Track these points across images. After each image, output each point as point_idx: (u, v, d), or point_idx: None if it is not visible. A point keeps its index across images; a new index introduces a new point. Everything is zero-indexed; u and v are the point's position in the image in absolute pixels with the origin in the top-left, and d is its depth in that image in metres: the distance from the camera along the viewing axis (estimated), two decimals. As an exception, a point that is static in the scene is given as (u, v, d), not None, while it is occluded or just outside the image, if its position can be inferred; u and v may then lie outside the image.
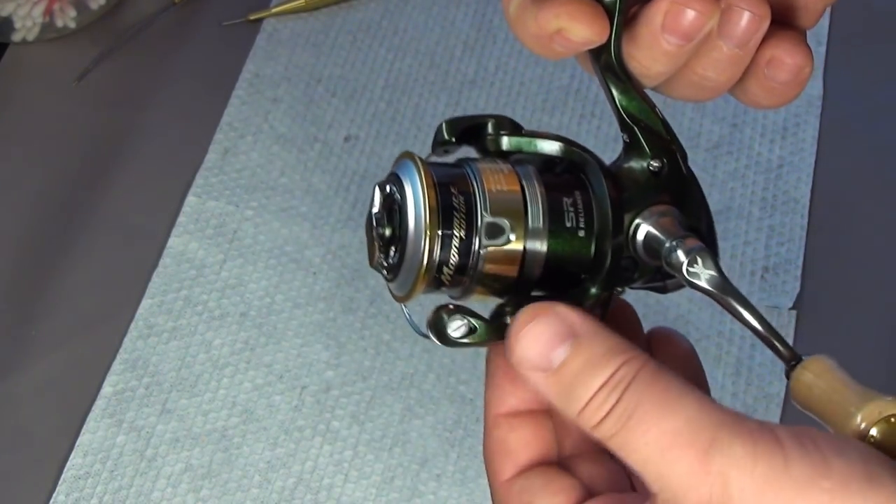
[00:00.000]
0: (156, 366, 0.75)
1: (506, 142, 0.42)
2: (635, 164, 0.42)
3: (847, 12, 0.89)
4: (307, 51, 0.88)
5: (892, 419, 0.34)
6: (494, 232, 0.38)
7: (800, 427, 0.35)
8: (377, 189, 0.40)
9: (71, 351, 0.76)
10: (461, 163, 0.41)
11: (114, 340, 0.76)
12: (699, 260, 0.39)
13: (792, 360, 0.38)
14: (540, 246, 0.39)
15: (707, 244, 0.40)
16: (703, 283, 0.39)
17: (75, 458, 0.72)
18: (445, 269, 0.38)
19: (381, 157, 0.83)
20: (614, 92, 0.42)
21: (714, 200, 0.81)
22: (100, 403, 0.74)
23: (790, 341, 0.77)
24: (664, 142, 0.42)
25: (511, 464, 0.40)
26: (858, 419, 0.34)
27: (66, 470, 0.71)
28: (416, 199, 0.39)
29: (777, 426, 0.35)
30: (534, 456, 0.40)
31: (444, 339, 0.39)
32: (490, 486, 0.41)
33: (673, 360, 0.44)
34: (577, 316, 0.37)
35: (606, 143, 0.83)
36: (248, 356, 0.75)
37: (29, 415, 0.74)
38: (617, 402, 0.34)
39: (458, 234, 0.38)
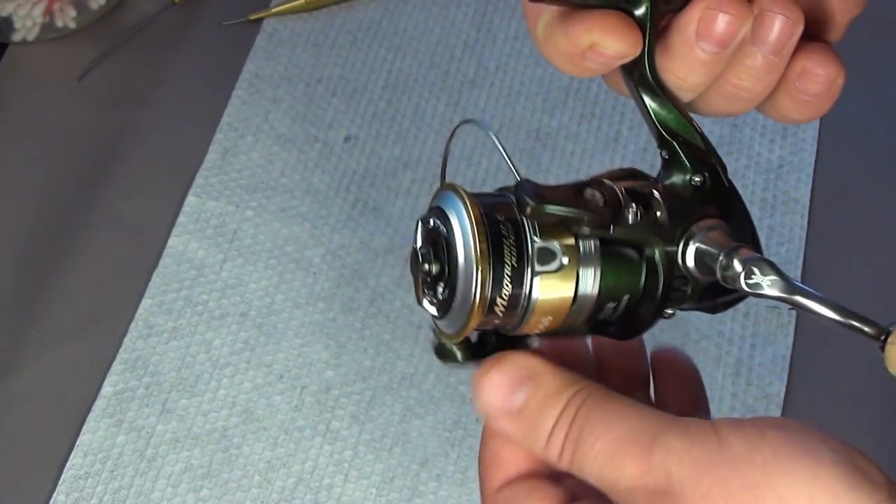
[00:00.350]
0: (156, 366, 0.75)
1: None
2: (677, 179, 0.40)
3: (847, 12, 0.89)
4: (307, 51, 0.88)
5: None
6: (546, 257, 0.38)
7: (743, 419, 0.36)
8: (420, 224, 0.39)
9: (71, 351, 0.76)
10: (502, 191, 0.40)
11: (114, 340, 0.76)
12: (756, 270, 0.38)
13: (881, 335, 0.38)
14: (594, 267, 0.38)
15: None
16: (766, 291, 0.39)
17: (75, 458, 0.72)
18: (499, 301, 0.37)
19: (381, 157, 0.83)
20: (651, 107, 0.40)
21: (714, 200, 0.81)
22: (100, 403, 0.74)
23: (790, 341, 0.77)
24: (704, 155, 0.40)
25: (501, 474, 0.41)
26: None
27: (66, 470, 0.71)
28: (464, 232, 0.38)
29: (714, 420, 0.36)
30: (523, 468, 0.41)
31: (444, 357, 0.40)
32: (481, 495, 0.42)
33: (674, 379, 0.45)
34: (533, 359, 0.38)
35: (606, 143, 0.83)
36: (248, 356, 0.75)
37: (29, 415, 0.74)
38: (569, 429, 0.37)
39: (509, 263, 0.37)
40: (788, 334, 0.75)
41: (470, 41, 0.88)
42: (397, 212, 0.81)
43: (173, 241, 0.79)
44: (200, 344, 0.76)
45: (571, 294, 0.38)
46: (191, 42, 0.89)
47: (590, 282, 0.38)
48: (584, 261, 0.38)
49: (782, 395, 0.73)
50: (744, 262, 0.39)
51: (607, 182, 0.39)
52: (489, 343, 0.41)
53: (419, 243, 0.39)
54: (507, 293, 0.37)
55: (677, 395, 0.45)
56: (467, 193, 0.39)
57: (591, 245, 0.38)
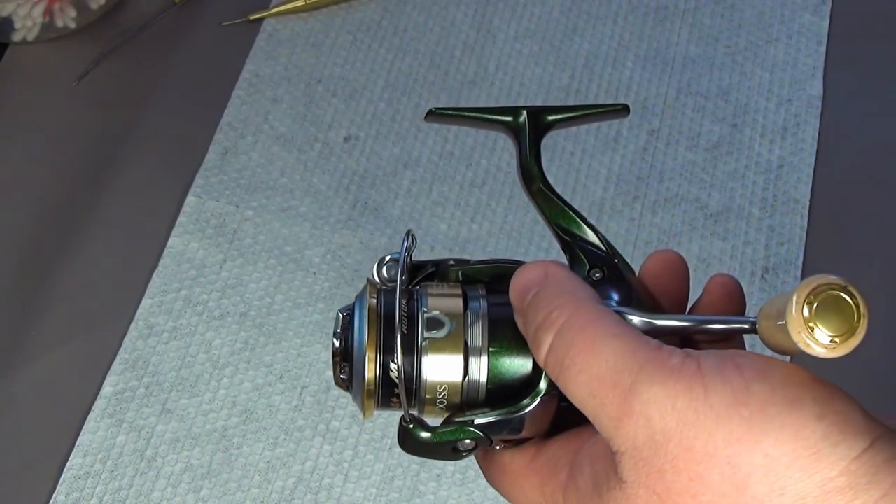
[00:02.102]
0: (156, 366, 0.75)
1: (459, 273, 0.44)
2: (578, 274, 0.43)
3: (847, 12, 0.89)
4: (307, 51, 0.88)
5: (820, 291, 0.35)
6: (433, 325, 0.41)
7: (728, 352, 0.36)
8: (338, 314, 0.43)
9: (71, 351, 0.76)
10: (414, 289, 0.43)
11: (114, 340, 0.76)
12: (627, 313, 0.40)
13: (753, 323, 0.39)
14: (480, 342, 0.41)
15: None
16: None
17: (75, 458, 0.72)
18: (392, 366, 0.41)
19: (381, 157, 0.83)
20: (548, 213, 0.44)
21: (714, 200, 0.81)
22: (100, 403, 0.74)
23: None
24: (600, 253, 0.43)
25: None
26: (794, 302, 0.35)
27: (66, 470, 0.72)
28: (359, 319, 0.42)
29: (704, 355, 0.36)
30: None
31: (408, 446, 0.42)
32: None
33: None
34: (555, 266, 0.40)
35: (606, 143, 0.83)
36: (248, 356, 0.75)
37: (29, 415, 0.74)
38: (552, 342, 0.38)
39: (400, 330, 0.40)
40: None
41: (470, 41, 0.89)
42: (397, 212, 0.81)
43: (173, 241, 0.79)
44: (200, 344, 0.76)
45: (461, 366, 0.41)
46: (191, 42, 0.89)
47: (479, 362, 0.41)
48: (470, 333, 0.41)
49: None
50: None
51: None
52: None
53: (336, 331, 0.43)
54: (398, 362, 0.40)
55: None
56: (378, 290, 0.42)
57: (479, 334, 0.41)
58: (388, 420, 0.73)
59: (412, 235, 0.44)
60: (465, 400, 0.41)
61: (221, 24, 0.90)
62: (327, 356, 0.75)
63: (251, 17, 0.90)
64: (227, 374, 0.75)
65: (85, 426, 0.73)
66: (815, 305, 0.34)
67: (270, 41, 0.89)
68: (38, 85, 0.87)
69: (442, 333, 0.41)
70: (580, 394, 0.37)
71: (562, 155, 0.83)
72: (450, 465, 0.71)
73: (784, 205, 0.81)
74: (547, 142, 0.78)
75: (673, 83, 0.86)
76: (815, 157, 0.83)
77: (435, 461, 0.71)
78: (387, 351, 0.41)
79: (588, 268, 0.43)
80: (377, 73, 0.87)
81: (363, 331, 0.41)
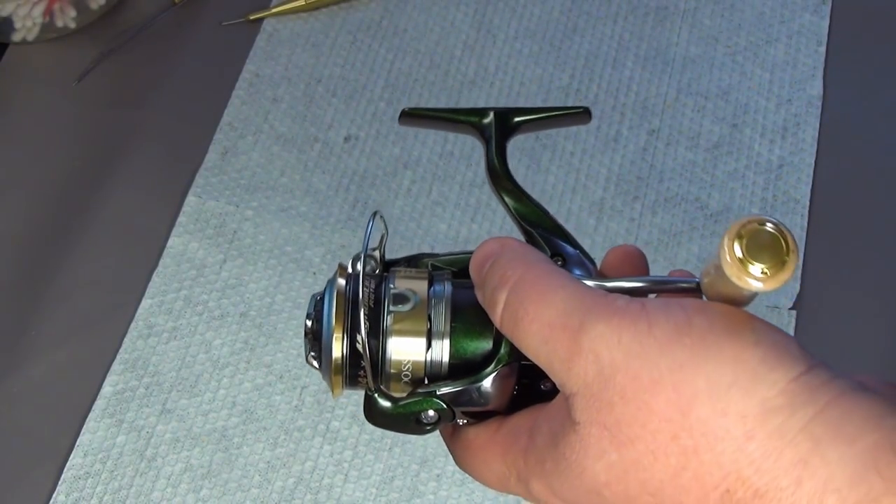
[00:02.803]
0: (156, 366, 0.75)
1: (430, 264, 0.46)
2: None
3: (847, 12, 0.89)
4: (307, 51, 0.88)
5: (749, 227, 0.36)
6: (398, 300, 0.43)
7: (672, 297, 0.39)
8: (312, 297, 0.45)
9: (71, 351, 0.76)
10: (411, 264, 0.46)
11: (114, 340, 0.76)
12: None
13: (698, 283, 0.41)
14: (443, 325, 0.43)
15: None
16: None
17: (75, 458, 0.72)
18: (361, 345, 0.43)
19: (381, 157, 0.83)
20: (511, 205, 0.47)
21: (714, 200, 0.81)
22: (100, 403, 0.74)
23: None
24: (561, 243, 0.46)
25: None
26: (725, 241, 0.36)
27: (66, 470, 0.72)
28: (328, 300, 0.43)
29: (647, 299, 0.38)
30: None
31: (372, 416, 0.44)
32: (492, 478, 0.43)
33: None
34: (510, 239, 0.42)
35: (606, 143, 0.83)
36: (248, 356, 0.75)
37: (29, 415, 0.74)
38: (507, 299, 0.40)
39: (366, 304, 0.43)
40: (788, 334, 0.75)
41: (470, 41, 0.89)
42: (397, 212, 0.81)
43: (173, 241, 0.79)
44: (200, 344, 0.76)
45: (425, 337, 0.43)
46: (191, 42, 0.89)
47: (441, 335, 0.43)
48: (434, 311, 0.43)
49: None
50: None
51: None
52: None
53: (309, 311, 0.45)
54: (365, 333, 0.42)
55: None
56: (348, 275, 0.44)
57: (443, 313, 0.43)
58: (388, 420, 0.73)
59: (379, 216, 0.47)
60: (429, 374, 0.43)
61: (221, 24, 0.90)
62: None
63: (251, 17, 0.90)
64: (227, 374, 0.75)
65: (85, 426, 0.73)
66: (745, 242, 0.36)
67: (270, 41, 0.89)
68: (38, 85, 0.87)
69: (407, 307, 0.43)
70: (534, 343, 0.39)
71: (562, 155, 0.83)
72: (450, 465, 0.71)
73: (784, 205, 0.81)
74: (547, 142, 0.78)
75: (673, 83, 0.86)
76: (815, 157, 0.83)
77: (435, 461, 0.72)
78: (354, 330, 0.43)
79: (550, 254, 0.45)
80: (377, 73, 0.87)
81: (331, 312, 0.43)
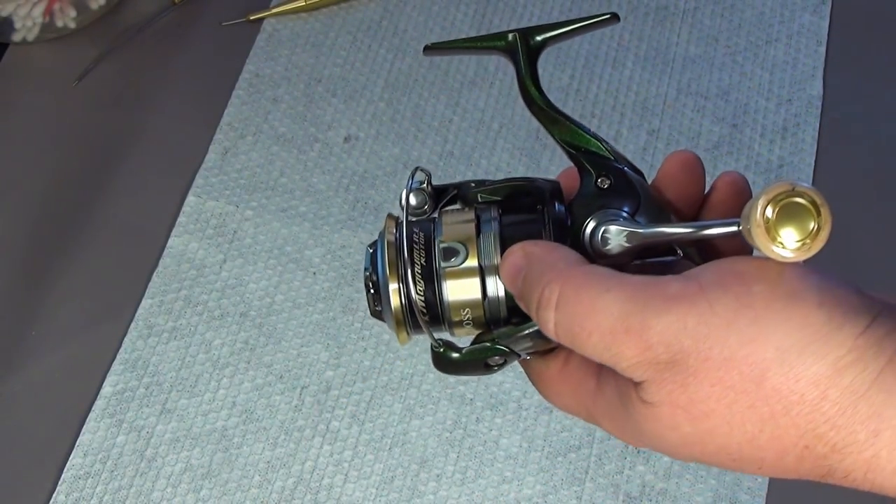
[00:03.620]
0: (156, 366, 0.75)
1: (478, 195, 0.46)
2: (587, 184, 0.45)
3: (847, 12, 0.89)
4: (307, 51, 0.88)
5: (780, 198, 0.36)
6: (449, 254, 0.43)
7: (725, 262, 0.38)
8: (367, 250, 0.46)
9: (71, 351, 0.76)
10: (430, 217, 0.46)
11: (114, 340, 0.76)
12: (611, 228, 0.43)
13: (737, 225, 0.40)
14: (495, 261, 0.43)
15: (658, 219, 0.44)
16: (618, 246, 0.42)
17: (75, 458, 0.72)
18: (416, 300, 0.44)
19: (381, 157, 0.83)
20: (552, 129, 0.46)
21: (714, 200, 0.81)
22: (100, 403, 0.74)
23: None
24: (607, 161, 0.45)
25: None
26: (757, 208, 0.36)
27: (66, 470, 0.72)
28: (380, 251, 0.45)
29: (702, 272, 0.38)
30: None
31: (441, 367, 0.45)
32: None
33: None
34: (532, 246, 0.42)
35: (606, 143, 0.83)
36: (248, 356, 0.75)
37: (29, 415, 0.74)
38: (555, 319, 0.39)
39: (419, 262, 0.44)
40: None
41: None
42: (397, 212, 0.81)
43: (173, 241, 0.79)
44: (200, 344, 0.76)
45: (479, 287, 0.43)
46: (191, 42, 0.89)
47: (494, 275, 0.43)
48: (485, 256, 0.44)
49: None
50: (595, 230, 0.43)
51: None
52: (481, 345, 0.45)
53: (366, 265, 0.45)
54: (421, 290, 0.43)
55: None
56: (396, 221, 0.45)
57: (492, 246, 0.43)
58: (388, 420, 0.73)
59: (421, 170, 0.46)
60: (489, 318, 0.44)
61: (221, 24, 0.90)
62: (327, 356, 0.75)
63: (251, 17, 0.90)
64: (227, 374, 0.75)
65: (85, 426, 0.73)
66: (777, 211, 0.36)
67: (270, 41, 0.89)
68: (38, 85, 0.87)
69: (458, 261, 0.43)
70: (599, 352, 0.39)
71: (562, 155, 0.83)
72: (449, 465, 0.71)
73: (784, 205, 0.81)
74: (547, 142, 0.78)
75: (673, 83, 0.86)
76: (815, 157, 0.83)
77: (435, 462, 0.72)
78: (406, 268, 0.44)
79: (595, 177, 0.45)
80: (377, 73, 0.87)
81: (384, 265, 0.44)
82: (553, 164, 0.82)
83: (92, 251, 0.80)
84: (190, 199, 0.81)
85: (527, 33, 0.46)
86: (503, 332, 0.43)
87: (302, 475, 0.72)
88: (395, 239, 0.44)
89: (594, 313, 0.38)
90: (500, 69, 0.87)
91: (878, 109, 0.85)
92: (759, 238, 0.36)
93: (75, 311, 0.77)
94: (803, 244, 0.36)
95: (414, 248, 0.44)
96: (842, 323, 0.36)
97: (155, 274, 0.78)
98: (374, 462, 0.72)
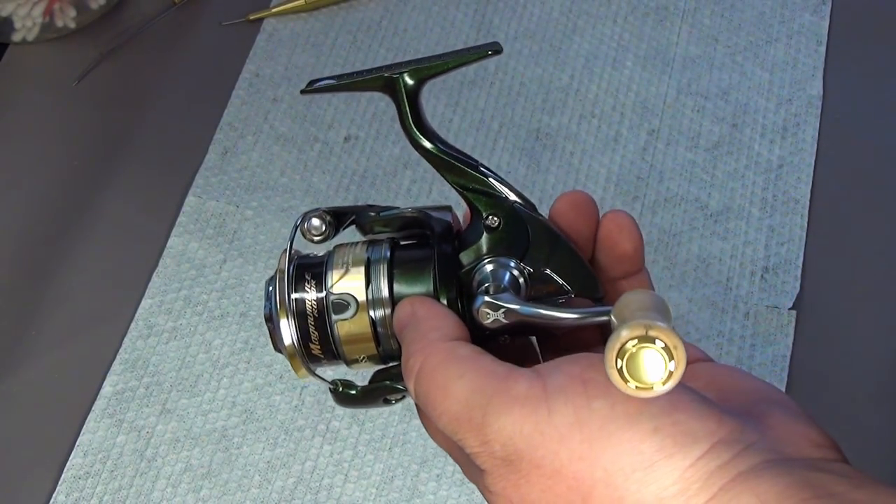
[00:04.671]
0: (156, 366, 0.75)
1: (374, 226, 0.47)
2: (476, 224, 0.46)
3: (847, 12, 0.89)
4: (307, 51, 0.88)
5: (632, 346, 0.36)
6: (340, 308, 0.44)
7: (579, 363, 0.39)
8: (266, 284, 0.47)
9: (71, 351, 0.76)
10: (328, 252, 0.47)
11: (114, 340, 0.76)
12: (489, 310, 0.43)
13: (607, 316, 0.41)
14: (385, 311, 0.45)
15: (565, 277, 0.44)
16: (505, 320, 0.43)
17: (75, 458, 0.72)
18: (313, 347, 0.45)
19: (381, 156, 0.83)
20: (442, 171, 0.46)
21: (714, 200, 0.81)
22: (100, 403, 0.74)
23: (790, 341, 0.77)
24: (497, 199, 0.45)
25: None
26: (607, 354, 0.36)
27: (66, 470, 0.72)
28: (274, 288, 0.45)
29: (552, 372, 0.39)
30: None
31: (340, 402, 0.46)
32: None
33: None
34: (420, 305, 0.43)
35: (606, 144, 0.83)
36: (248, 356, 0.75)
37: (29, 415, 0.74)
38: (414, 389, 0.41)
39: (311, 313, 0.45)
40: (788, 334, 0.75)
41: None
42: (397, 212, 0.81)
43: (173, 241, 0.79)
44: (200, 344, 0.76)
45: (371, 337, 0.45)
46: (191, 42, 0.89)
47: (385, 321, 0.45)
48: (375, 306, 0.45)
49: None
50: (477, 299, 0.44)
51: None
52: (378, 382, 0.47)
53: (265, 301, 0.46)
54: (315, 338, 0.45)
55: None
56: (288, 257, 0.46)
57: (382, 293, 0.45)
58: (388, 420, 0.73)
59: (312, 214, 0.47)
60: (384, 355, 0.45)
61: (221, 24, 0.90)
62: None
63: (251, 17, 0.90)
64: (227, 374, 0.75)
65: (85, 426, 0.73)
66: (626, 359, 0.36)
67: (270, 41, 0.89)
68: (38, 85, 0.87)
69: (348, 314, 0.44)
70: (448, 433, 0.40)
71: (562, 155, 0.83)
72: (449, 465, 0.71)
73: (784, 205, 0.81)
74: (547, 142, 0.77)
75: (673, 83, 0.86)
76: (815, 157, 0.83)
77: (435, 461, 0.72)
78: (300, 316, 0.45)
79: (485, 216, 0.45)
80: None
81: (276, 304, 0.45)
82: (553, 165, 0.82)
83: (92, 251, 0.80)
84: (190, 199, 0.81)
85: (404, 72, 0.46)
86: (398, 371, 0.44)
87: (302, 475, 0.72)
88: (287, 276, 0.45)
89: (444, 397, 0.40)
90: (500, 69, 0.87)
91: (878, 109, 0.85)
92: (612, 377, 0.36)
93: (75, 311, 0.77)
94: (654, 387, 0.36)
95: (305, 286, 0.45)
96: (672, 452, 0.36)
97: (155, 274, 0.78)
98: (375, 462, 0.72)
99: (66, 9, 0.87)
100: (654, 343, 0.36)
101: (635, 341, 0.36)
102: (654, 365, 0.36)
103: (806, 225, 0.80)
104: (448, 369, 0.40)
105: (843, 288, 0.78)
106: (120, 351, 0.75)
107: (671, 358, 0.35)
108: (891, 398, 0.73)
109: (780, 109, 0.85)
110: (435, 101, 0.85)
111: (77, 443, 0.72)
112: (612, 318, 0.39)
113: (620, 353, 0.36)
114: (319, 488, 0.71)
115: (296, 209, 0.81)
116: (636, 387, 0.36)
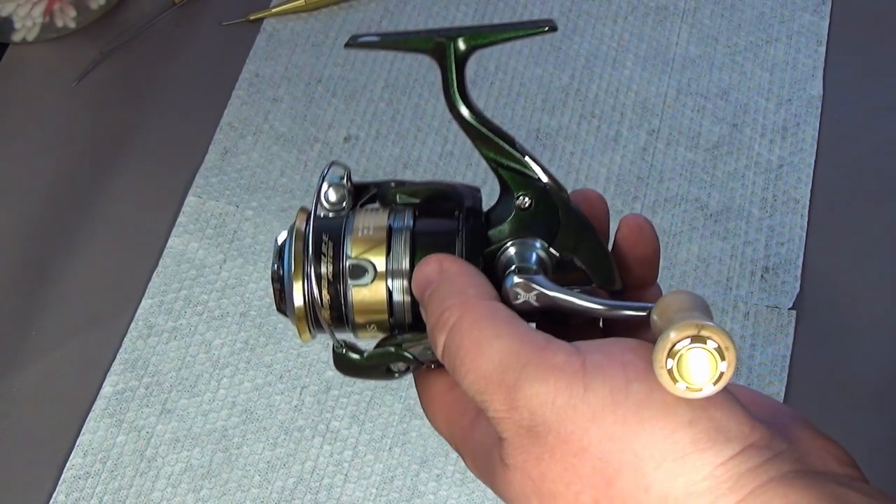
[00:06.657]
0: (156, 366, 0.75)
1: (397, 196, 0.45)
2: (506, 203, 0.44)
3: (847, 12, 0.89)
4: (307, 51, 0.88)
5: (683, 346, 0.35)
6: (356, 273, 0.42)
7: (620, 346, 0.38)
8: (275, 242, 0.45)
9: (71, 351, 0.76)
10: (345, 214, 0.45)
11: (114, 340, 0.76)
12: (520, 290, 0.42)
13: (645, 312, 0.40)
14: (403, 281, 0.43)
15: (589, 266, 0.43)
16: (526, 304, 0.42)
17: (75, 458, 0.72)
18: (322, 311, 0.43)
19: (381, 157, 0.83)
20: (476, 144, 0.45)
21: (714, 200, 0.81)
22: (100, 403, 0.74)
23: (790, 341, 0.77)
24: (530, 179, 0.44)
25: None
26: (657, 353, 0.36)
27: (66, 470, 0.72)
28: (288, 247, 0.43)
29: (592, 350, 0.37)
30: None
31: (342, 368, 0.44)
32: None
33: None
34: (450, 262, 0.41)
35: (606, 143, 0.83)
36: (248, 356, 0.75)
37: (29, 415, 0.74)
38: (445, 343, 0.39)
39: (326, 264, 0.43)
40: (788, 334, 0.75)
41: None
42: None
43: (173, 241, 0.79)
44: (200, 344, 0.76)
45: (385, 305, 0.43)
46: (191, 42, 0.89)
47: (401, 292, 0.43)
48: (394, 276, 0.43)
49: (782, 394, 0.73)
50: (509, 277, 0.42)
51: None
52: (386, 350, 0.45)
53: (273, 259, 0.44)
54: (326, 302, 0.43)
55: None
56: (305, 214, 0.44)
57: (402, 262, 0.43)
58: (388, 420, 0.73)
59: (338, 164, 0.45)
60: (394, 323, 0.43)
61: (221, 24, 0.90)
62: (327, 356, 0.75)
63: (251, 17, 0.90)
64: (227, 374, 0.75)
65: (85, 426, 0.73)
66: (677, 359, 0.35)
67: (270, 41, 0.89)
68: (38, 85, 0.87)
69: (366, 280, 0.42)
70: (472, 392, 0.39)
71: (562, 155, 0.83)
72: (450, 465, 0.71)
73: (784, 205, 0.81)
74: (547, 142, 0.78)
75: (673, 83, 0.86)
76: (815, 157, 0.83)
77: (435, 462, 0.72)
78: (314, 279, 0.43)
79: (516, 195, 0.44)
80: (377, 73, 0.87)
81: (290, 262, 0.43)
82: (553, 165, 0.82)
83: (92, 251, 0.80)
84: (190, 199, 0.81)
85: (456, 37, 0.44)
86: (407, 338, 0.43)
87: (302, 475, 0.72)
88: (304, 236, 0.43)
89: (478, 354, 0.38)
90: (500, 69, 0.87)
91: (878, 109, 0.85)
92: (662, 378, 0.35)
93: (75, 311, 0.77)
94: (704, 388, 0.35)
95: (322, 248, 0.43)
96: (706, 447, 0.36)
97: (155, 274, 0.78)
98: (375, 462, 0.72)
99: (66, 9, 0.87)
100: (705, 343, 0.35)
101: (687, 341, 0.35)
102: (702, 365, 0.35)
103: (806, 225, 0.80)
104: (485, 328, 0.39)
105: (843, 288, 0.78)
106: (120, 351, 0.75)
107: (723, 358, 0.35)
108: (891, 398, 0.73)
109: (780, 109, 0.85)
110: (435, 101, 0.85)
111: (77, 443, 0.72)
112: (654, 316, 0.38)
113: (671, 353, 0.35)
114: (319, 488, 0.71)
115: (296, 209, 0.81)
116: (686, 387, 0.35)
